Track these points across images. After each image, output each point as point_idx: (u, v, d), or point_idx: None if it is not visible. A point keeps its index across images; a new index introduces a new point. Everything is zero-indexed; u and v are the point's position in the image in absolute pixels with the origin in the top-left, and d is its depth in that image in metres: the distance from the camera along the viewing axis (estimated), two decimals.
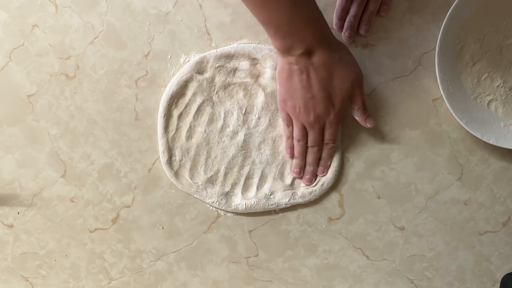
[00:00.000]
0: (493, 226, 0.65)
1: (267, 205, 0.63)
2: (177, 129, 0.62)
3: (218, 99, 0.62)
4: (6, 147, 0.65)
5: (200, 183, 0.63)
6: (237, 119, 0.62)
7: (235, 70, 0.61)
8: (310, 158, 0.61)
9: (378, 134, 0.63)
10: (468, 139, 0.63)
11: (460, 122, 0.59)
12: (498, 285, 0.66)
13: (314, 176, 0.63)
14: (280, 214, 0.65)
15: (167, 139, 0.62)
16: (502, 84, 0.60)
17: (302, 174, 0.63)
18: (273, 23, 0.50)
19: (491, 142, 0.59)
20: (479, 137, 0.59)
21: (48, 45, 0.62)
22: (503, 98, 0.61)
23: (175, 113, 0.62)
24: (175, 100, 0.62)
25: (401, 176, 0.64)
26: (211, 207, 0.65)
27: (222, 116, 0.62)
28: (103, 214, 0.66)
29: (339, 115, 0.58)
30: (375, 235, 0.65)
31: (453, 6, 0.55)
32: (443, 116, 0.62)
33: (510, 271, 0.66)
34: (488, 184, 0.64)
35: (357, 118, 0.60)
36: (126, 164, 0.65)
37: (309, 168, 0.62)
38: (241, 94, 0.62)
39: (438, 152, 0.63)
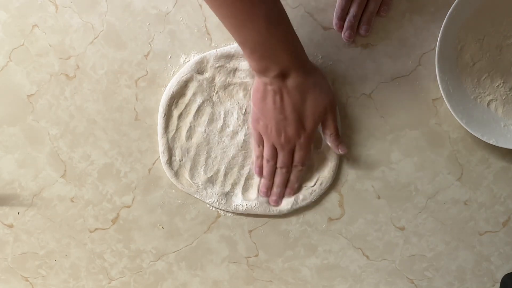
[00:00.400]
0: (493, 226, 0.65)
1: (268, 210, 0.63)
2: (177, 129, 0.62)
3: (218, 99, 0.62)
4: (6, 147, 0.65)
5: (200, 183, 0.63)
6: (237, 119, 0.62)
7: (235, 70, 0.61)
8: (278, 179, 0.61)
9: (378, 134, 0.63)
10: (468, 139, 0.63)
11: (460, 122, 0.59)
12: (498, 285, 0.66)
13: (281, 197, 0.63)
14: (280, 214, 0.65)
15: (167, 139, 0.62)
16: (502, 84, 0.60)
17: (269, 195, 0.63)
18: (249, 43, 0.50)
19: (491, 142, 0.59)
20: (479, 137, 0.59)
21: (48, 45, 0.62)
22: (503, 98, 0.61)
23: (175, 113, 0.62)
24: (175, 100, 0.62)
25: (401, 176, 0.64)
26: (211, 207, 0.65)
27: (222, 116, 0.62)
28: (103, 214, 0.66)
29: (309, 139, 0.58)
30: (375, 235, 0.65)
31: (453, 6, 0.55)
32: (443, 116, 0.62)
33: (510, 271, 0.66)
34: (488, 184, 0.64)
35: (329, 144, 0.60)
36: (126, 164, 0.65)
37: (276, 190, 0.62)
38: (241, 94, 0.62)
39: (438, 152, 0.63)
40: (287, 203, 0.63)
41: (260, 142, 0.60)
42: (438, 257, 0.66)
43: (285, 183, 0.62)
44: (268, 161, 0.60)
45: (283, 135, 0.57)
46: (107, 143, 0.64)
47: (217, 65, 0.61)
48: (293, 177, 0.61)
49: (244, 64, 0.61)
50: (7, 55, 0.62)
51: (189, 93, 0.62)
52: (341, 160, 0.63)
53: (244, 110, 0.62)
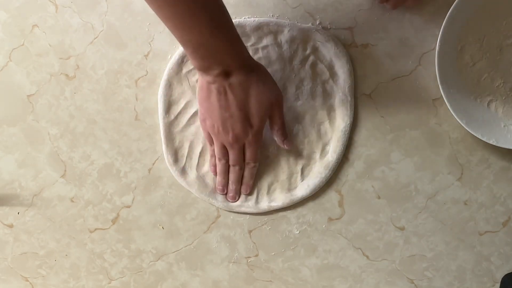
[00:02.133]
0: (493, 226, 0.65)
1: (267, 207, 0.64)
2: (182, 129, 0.62)
3: None
4: (6, 147, 0.65)
5: (208, 181, 0.63)
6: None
7: None
8: (231, 176, 0.62)
9: (378, 134, 0.63)
10: (468, 139, 0.63)
11: (460, 122, 0.59)
12: (498, 285, 0.66)
13: (238, 193, 0.63)
14: (280, 214, 0.65)
15: (172, 138, 0.62)
16: (502, 84, 0.60)
17: (226, 192, 0.63)
18: (191, 43, 0.50)
19: (491, 142, 0.59)
20: (479, 137, 0.59)
21: (48, 45, 0.62)
22: (503, 98, 0.61)
23: (175, 110, 0.62)
24: (171, 99, 0.62)
25: (401, 176, 0.64)
26: (212, 205, 0.65)
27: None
28: (103, 214, 0.66)
29: (258, 136, 0.58)
30: (375, 235, 0.65)
31: (453, 6, 0.55)
32: (443, 116, 0.62)
33: (510, 271, 0.66)
34: (488, 184, 0.64)
35: (275, 139, 0.61)
36: (126, 164, 0.65)
37: (231, 187, 0.63)
38: None
39: (438, 152, 0.63)
40: (285, 198, 0.63)
41: (211, 141, 0.60)
42: (438, 257, 0.66)
43: (239, 179, 0.62)
44: (219, 159, 0.60)
45: (230, 133, 0.57)
46: (107, 143, 0.64)
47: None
48: (246, 173, 0.62)
49: None
50: (7, 55, 0.62)
51: (182, 101, 0.62)
52: (341, 160, 0.63)
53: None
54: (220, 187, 0.63)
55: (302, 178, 0.63)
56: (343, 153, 0.62)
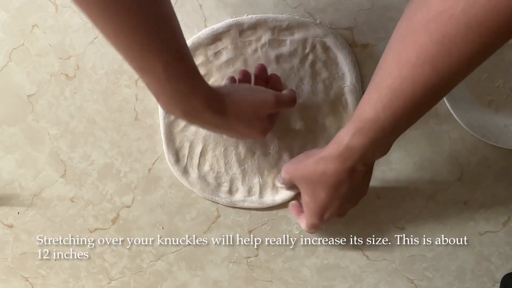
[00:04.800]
0: (493, 226, 0.65)
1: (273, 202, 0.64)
2: (182, 129, 0.62)
3: None
4: (6, 147, 0.65)
5: (210, 181, 0.63)
6: None
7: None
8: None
9: None
10: (468, 139, 0.63)
11: (460, 122, 0.59)
12: (498, 285, 0.66)
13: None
14: (280, 214, 0.65)
15: (172, 138, 0.62)
16: (502, 84, 0.60)
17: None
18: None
19: (491, 142, 0.60)
20: (479, 137, 0.59)
21: (48, 45, 0.62)
22: (503, 98, 0.61)
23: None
24: None
25: (401, 176, 0.64)
26: (212, 206, 0.65)
27: None
28: (103, 214, 0.66)
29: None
30: (375, 235, 0.65)
31: None
32: (443, 116, 0.62)
33: (510, 271, 0.66)
34: (488, 184, 0.64)
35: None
36: (126, 164, 0.65)
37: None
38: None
39: (438, 152, 0.63)
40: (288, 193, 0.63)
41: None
42: (438, 257, 0.66)
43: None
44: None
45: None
46: (107, 143, 0.64)
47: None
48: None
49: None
50: (7, 55, 0.62)
51: None
52: None
53: None
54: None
55: None
56: None
